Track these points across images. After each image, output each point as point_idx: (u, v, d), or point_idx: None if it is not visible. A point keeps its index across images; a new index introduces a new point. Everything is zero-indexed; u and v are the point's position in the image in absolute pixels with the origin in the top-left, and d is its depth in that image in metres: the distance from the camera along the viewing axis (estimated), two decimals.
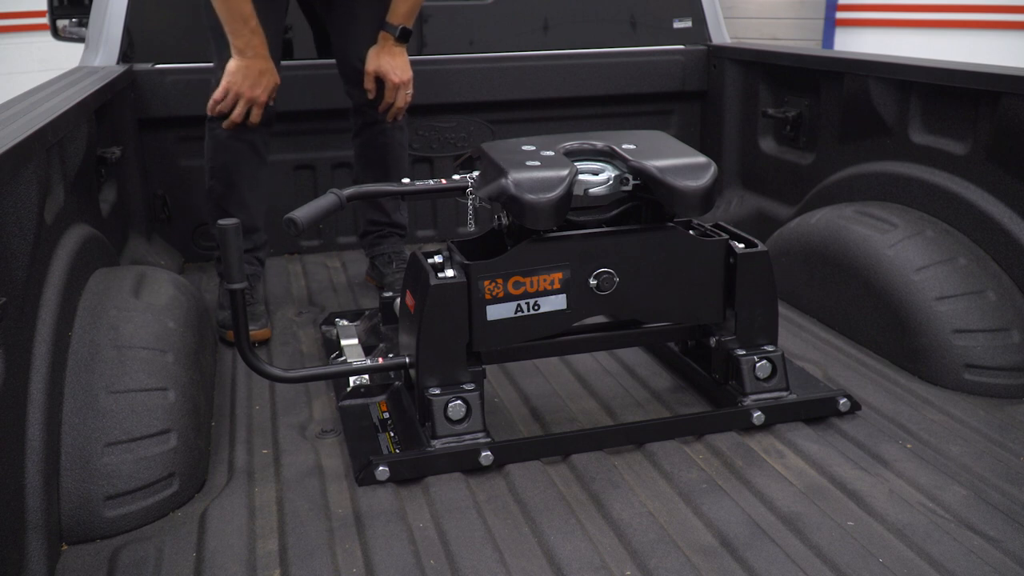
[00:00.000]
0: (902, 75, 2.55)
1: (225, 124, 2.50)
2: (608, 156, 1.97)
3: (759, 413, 1.96)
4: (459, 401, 1.85)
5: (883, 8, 8.14)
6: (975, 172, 2.32)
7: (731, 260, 2.00)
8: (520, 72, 3.38)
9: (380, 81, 2.63)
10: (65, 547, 1.58)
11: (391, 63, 2.60)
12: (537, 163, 1.87)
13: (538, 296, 1.88)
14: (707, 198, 1.90)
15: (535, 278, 1.87)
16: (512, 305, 1.87)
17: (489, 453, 1.81)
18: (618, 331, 2.15)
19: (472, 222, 2.07)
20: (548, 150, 1.95)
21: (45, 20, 4.12)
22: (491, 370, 2.21)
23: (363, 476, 1.77)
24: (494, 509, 1.69)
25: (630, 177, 1.92)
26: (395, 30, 2.59)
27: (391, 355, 2.04)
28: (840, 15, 8.34)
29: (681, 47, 3.52)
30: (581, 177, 1.88)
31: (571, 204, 1.84)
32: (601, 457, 1.85)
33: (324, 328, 2.58)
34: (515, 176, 1.81)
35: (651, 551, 1.55)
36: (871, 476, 1.77)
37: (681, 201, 1.89)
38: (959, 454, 1.85)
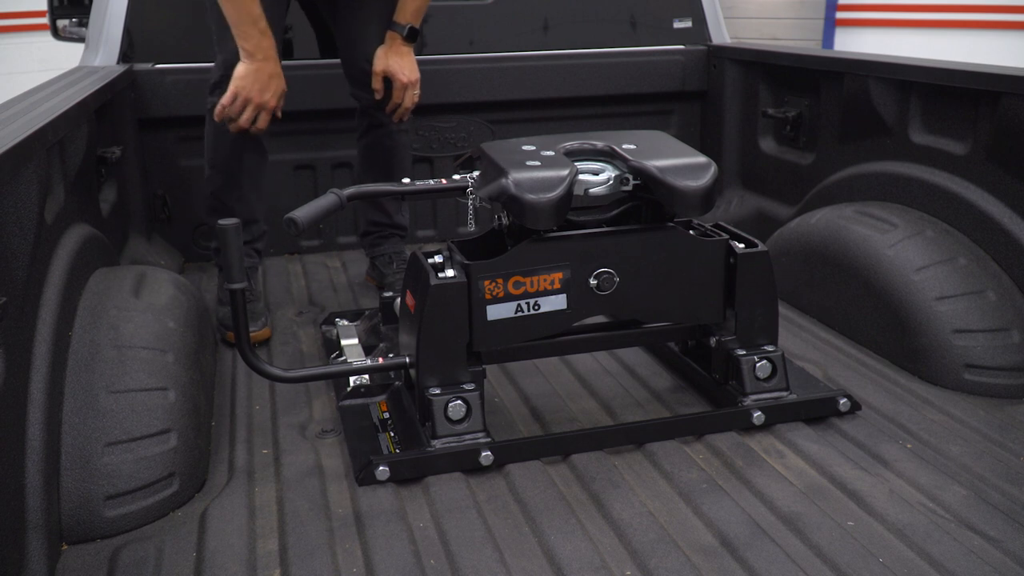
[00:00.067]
0: (902, 75, 2.55)
1: (232, 128, 2.47)
2: (608, 156, 1.97)
3: (759, 413, 1.96)
4: (459, 401, 1.85)
5: (883, 8, 8.14)
6: (975, 172, 2.32)
7: (731, 260, 2.00)
8: (520, 72, 3.38)
9: (387, 81, 2.62)
10: (65, 547, 1.58)
11: (399, 63, 2.59)
12: (537, 163, 1.87)
13: (538, 296, 1.88)
14: (707, 198, 1.90)
15: (535, 278, 1.87)
16: (512, 305, 1.87)
17: (489, 453, 1.81)
18: (618, 331, 2.15)
19: (472, 222, 2.07)
20: (548, 150, 1.95)
21: (45, 20, 4.12)
22: (491, 370, 2.21)
23: (363, 476, 1.77)
24: (494, 509, 1.69)
25: (630, 177, 1.92)
26: (403, 29, 2.58)
27: (391, 355, 2.04)
28: (840, 15, 8.34)
29: (681, 47, 3.52)
30: (581, 177, 1.88)
31: (571, 204, 1.84)
32: (601, 457, 1.85)
33: (324, 328, 2.58)
34: (515, 176, 1.81)
35: (651, 551, 1.55)
36: (871, 476, 1.77)
37: (681, 201, 1.89)
38: (959, 454, 1.85)
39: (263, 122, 2.45)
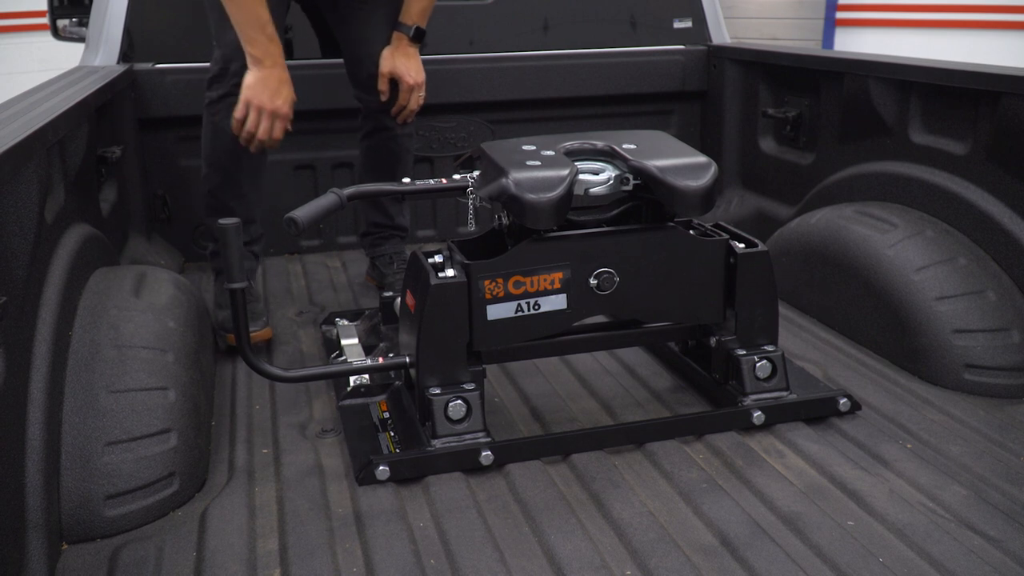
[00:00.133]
0: (902, 75, 2.55)
1: (252, 146, 2.37)
2: (608, 156, 1.97)
3: (759, 413, 1.96)
4: (459, 401, 1.85)
5: (883, 8, 8.14)
6: (975, 172, 2.32)
7: (731, 260, 2.00)
8: (520, 72, 3.38)
9: (393, 83, 2.59)
10: (65, 546, 1.58)
11: (406, 64, 2.56)
12: (537, 163, 1.87)
13: (538, 296, 1.88)
14: (707, 198, 1.90)
15: (535, 278, 1.87)
16: (512, 305, 1.87)
17: (489, 453, 1.81)
18: (618, 331, 2.15)
19: (472, 222, 2.07)
20: (548, 150, 1.95)
21: (45, 20, 4.12)
22: (491, 370, 2.21)
23: (363, 476, 1.77)
24: (494, 509, 1.69)
25: (630, 177, 1.92)
26: (409, 30, 2.56)
27: (391, 355, 2.04)
28: (840, 15, 8.34)
29: (681, 47, 3.52)
30: (581, 177, 1.88)
31: (571, 204, 1.84)
32: (601, 457, 1.85)
33: (324, 328, 2.58)
34: (515, 176, 1.81)
35: (651, 551, 1.55)
36: (871, 476, 1.77)
37: (681, 201, 1.89)
38: (959, 454, 1.85)
39: (279, 131, 2.37)
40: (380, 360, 1.98)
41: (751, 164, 3.35)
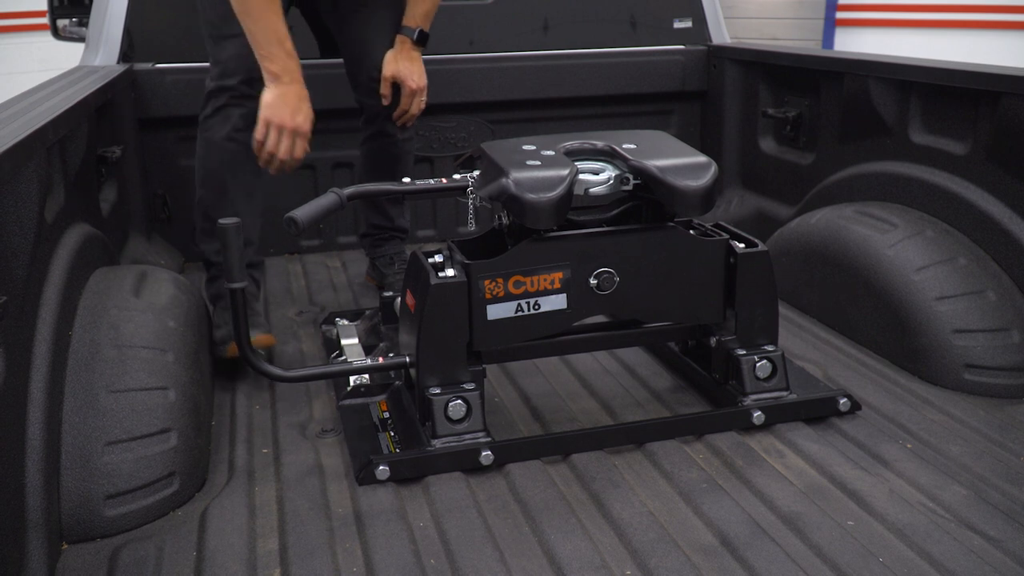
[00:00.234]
0: (902, 75, 2.55)
1: (273, 167, 2.28)
2: (608, 156, 1.97)
3: (759, 413, 1.96)
4: (459, 400, 1.85)
5: (883, 8, 8.14)
6: (975, 172, 2.32)
7: (731, 260, 2.00)
8: (520, 72, 3.38)
9: (395, 86, 2.56)
10: (65, 546, 1.58)
11: (409, 68, 2.53)
12: (537, 163, 1.87)
13: (538, 296, 1.88)
14: (707, 198, 1.90)
15: (535, 277, 1.87)
16: (512, 304, 1.87)
17: (489, 452, 1.81)
18: (618, 331, 2.15)
19: (472, 222, 2.07)
20: (548, 150, 1.95)
21: (45, 20, 4.12)
22: (491, 370, 2.21)
23: (363, 475, 1.77)
24: (494, 508, 1.69)
25: (630, 177, 1.92)
26: (413, 33, 2.54)
27: (391, 354, 2.04)
28: (840, 15, 8.34)
29: (681, 47, 3.52)
30: (581, 177, 1.88)
31: (571, 204, 1.84)
32: (601, 457, 1.85)
33: (324, 328, 2.58)
34: (516, 176, 1.81)
35: (651, 550, 1.55)
36: (871, 476, 1.77)
37: (682, 201, 1.89)
38: (959, 454, 1.85)
39: (300, 151, 2.27)
40: (380, 360, 1.98)
41: (751, 164, 3.35)
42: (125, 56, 3.06)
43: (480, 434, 1.85)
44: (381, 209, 2.84)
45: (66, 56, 3.88)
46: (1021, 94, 2.14)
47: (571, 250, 1.89)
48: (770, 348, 2.04)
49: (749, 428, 1.96)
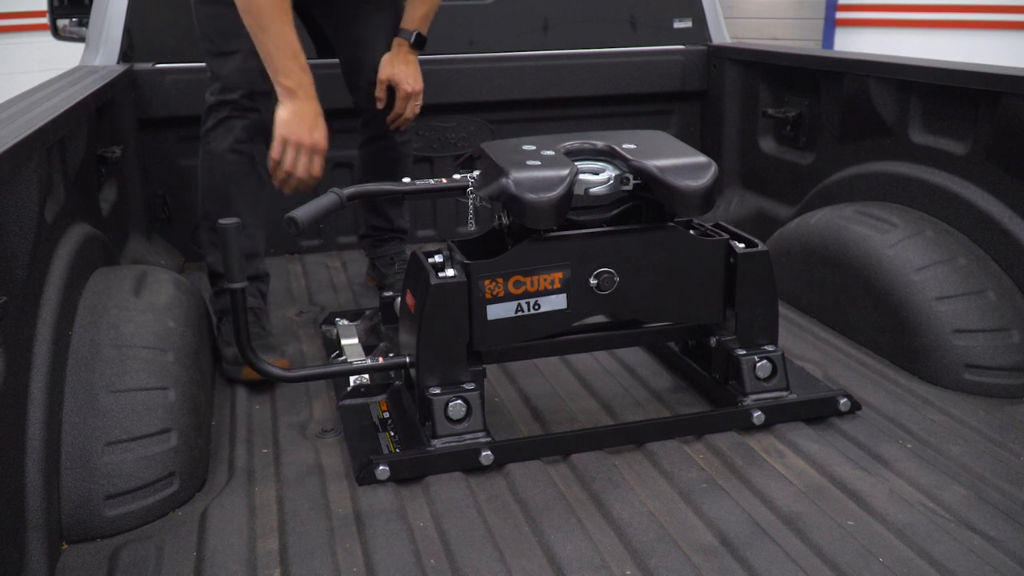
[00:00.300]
0: (902, 75, 2.55)
1: (287, 187, 2.21)
2: (608, 156, 1.97)
3: (759, 413, 1.96)
4: (459, 401, 1.85)
5: (883, 8, 8.14)
6: (975, 172, 2.32)
7: (731, 260, 2.00)
8: (520, 72, 3.38)
9: (390, 89, 2.54)
10: (65, 546, 1.58)
11: (405, 72, 2.51)
12: (537, 163, 1.87)
13: (538, 296, 1.88)
14: (707, 198, 1.90)
15: (535, 278, 1.87)
16: (512, 304, 1.87)
17: (489, 453, 1.81)
18: (618, 331, 2.15)
19: (472, 222, 2.07)
20: (548, 150, 1.95)
21: (45, 20, 4.12)
22: (491, 370, 2.21)
23: (363, 475, 1.77)
24: (494, 509, 1.69)
25: (630, 177, 1.92)
26: (410, 36, 2.52)
27: (391, 355, 2.04)
28: (840, 15, 8.34)
29: (681, 47, 3.52)
30: (582, 177, 1.88)
31: (571, 204, 1.84)
32: (601, 457, 1.85)
33: (324, 328, 2.58)
34: (516, 175, 1.81)
35: (651, 550, 1.55)
36: (871, 476, 1.77)
37: (682, 201, 1.89)
38: (959, 454, 1.85)
39: (318, 168, 2.21)
40: (380, 360, 1.98)
41: (751, 164, 3.35)
42: (125, 56, 3.06)
43: (480, 434, 1.85)
44: (380, 210, 2.84)
45: (66, 56, 3.88)
46: (1021, 94, 2.14)
47: (571, 250, 1.89)
48: (770, 348, 2.04)
49: (749, 428, 1.96)
